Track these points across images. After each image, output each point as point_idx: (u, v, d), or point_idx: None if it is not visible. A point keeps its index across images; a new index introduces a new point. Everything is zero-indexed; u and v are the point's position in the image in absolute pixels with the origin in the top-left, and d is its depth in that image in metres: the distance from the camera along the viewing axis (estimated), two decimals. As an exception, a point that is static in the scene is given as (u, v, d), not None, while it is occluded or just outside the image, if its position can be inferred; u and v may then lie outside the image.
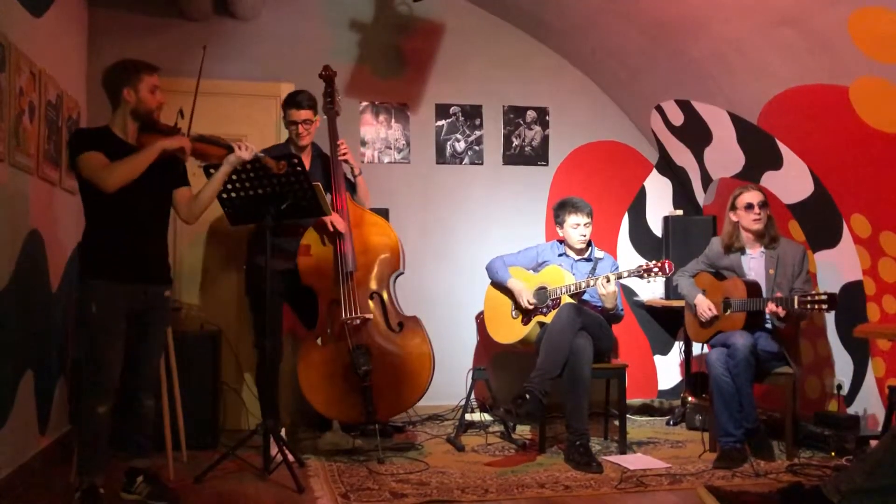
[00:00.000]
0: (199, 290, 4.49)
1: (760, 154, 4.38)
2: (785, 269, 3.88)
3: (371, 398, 3.67)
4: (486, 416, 4.68)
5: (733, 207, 3.98)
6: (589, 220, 4.17)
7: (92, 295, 2.91)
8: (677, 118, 4.83)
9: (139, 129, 3.03)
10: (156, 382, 3.27)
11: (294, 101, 3.93)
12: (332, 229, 3.81)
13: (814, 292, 3.59)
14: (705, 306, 3.95)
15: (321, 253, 3.87)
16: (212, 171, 3.27)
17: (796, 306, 3.60)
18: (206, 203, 3.23)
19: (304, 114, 3.90)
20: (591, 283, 3.92)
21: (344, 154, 3.98)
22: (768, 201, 3.97)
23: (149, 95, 3.01)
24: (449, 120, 5.02)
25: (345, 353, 3.74)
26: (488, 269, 4.34)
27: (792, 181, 4.24)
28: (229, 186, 3.34)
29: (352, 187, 4.08)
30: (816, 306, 3.53)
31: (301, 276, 3.86)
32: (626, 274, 3.86)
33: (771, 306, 3.68)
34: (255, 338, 3.97)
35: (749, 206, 3.92)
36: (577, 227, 4.16)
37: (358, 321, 3.76)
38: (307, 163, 3.94)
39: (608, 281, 3.83)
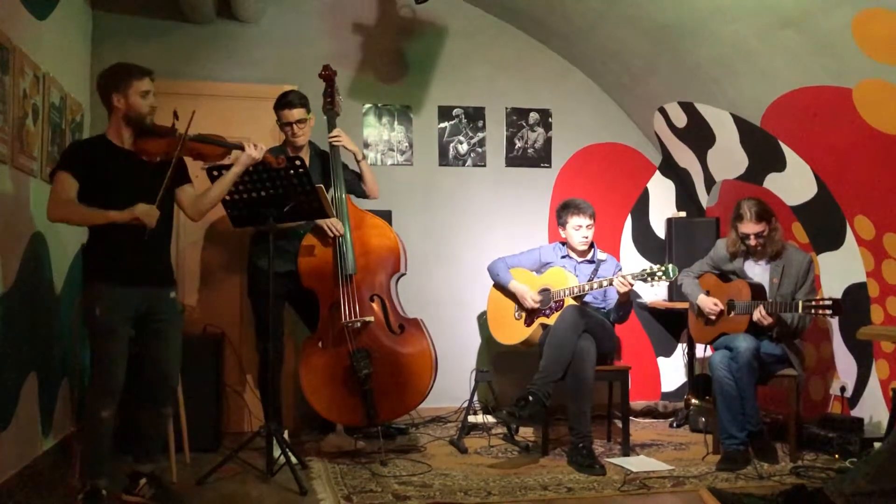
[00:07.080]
0: (202, 293, 4.49)
1: (763, 156, 4.37)
2: (789, 280, 3.85)
3: (372, 401, 3.67)
4: (489, 418, 4.66)
5: (735, 226, 3.94)
6: (591, 221, 4.16)
7: (95, 299, 2.89)
8: (680, 120, 4.82)
9: (135, 133, 2.99)
10: (174, 391, 3.23)
11: (285, 101, 3.89)
12: (331, 234, 3.81)
13: (819, 297, 3.57)
14: (710, 303, 3.94)
15: (322, 255, 3.86)
16: (214, 172, 3.27)
17: (801, 311, 3.58)
18: (214, 200, 3.22)
19: (297, 113, 3.87)
20: (595, 285, 3.91)
21: (337, 138, 3.91)
22: (772, 216, 3.89)
23: (139, 101, 2.94)
24: (452, 122, 5.02)
25: (345, 356, 3.73)
26: (490, 270, 4.33)
27: (795, 183, 4.23)
28: (232, 188, 3.33)
29: (356, 177, 4.05)
30: (821, 311, 3.52)
31: (302, 279, 3.85)
32: (630, 277, 3.85)
33: (757, 314, 3.67)
34: (257, 340, 3.97)
35: (746, 237, 3.88)
36: (578, 230, 4.15)
37: (358, 324, 3.75)
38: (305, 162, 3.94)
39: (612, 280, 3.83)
